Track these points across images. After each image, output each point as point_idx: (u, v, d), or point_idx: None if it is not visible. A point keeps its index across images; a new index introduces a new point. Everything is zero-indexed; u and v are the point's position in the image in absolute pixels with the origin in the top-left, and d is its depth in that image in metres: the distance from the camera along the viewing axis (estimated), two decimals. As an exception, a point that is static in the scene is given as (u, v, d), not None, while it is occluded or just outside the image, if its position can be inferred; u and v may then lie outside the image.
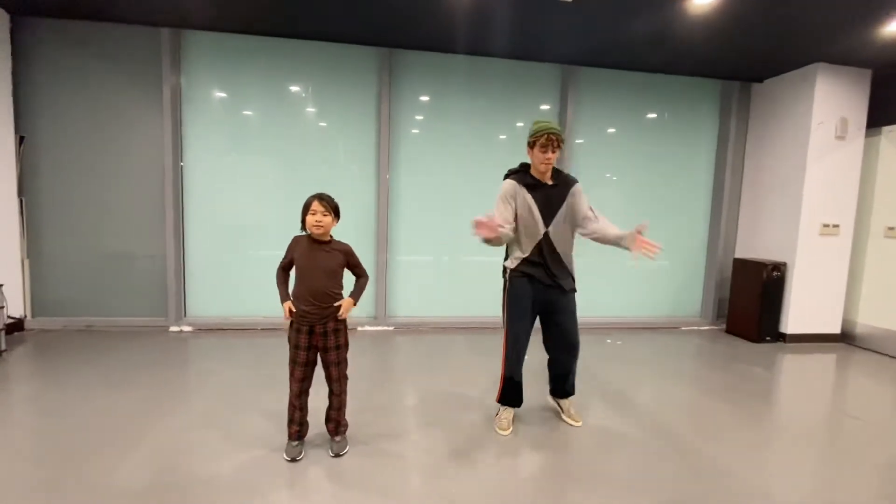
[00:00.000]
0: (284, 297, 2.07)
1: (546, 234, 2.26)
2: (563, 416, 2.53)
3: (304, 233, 2.04)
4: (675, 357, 3.83)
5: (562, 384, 2.51)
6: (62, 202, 3.86)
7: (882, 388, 3.25)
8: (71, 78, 3.78)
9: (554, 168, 2.29)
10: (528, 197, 2.24)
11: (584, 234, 2.34)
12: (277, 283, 2.09)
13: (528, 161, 2.32)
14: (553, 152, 2.18)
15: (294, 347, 2.03)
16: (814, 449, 2.36)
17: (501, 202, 2.26)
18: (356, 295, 2.12)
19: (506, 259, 2.41)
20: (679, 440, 2.37)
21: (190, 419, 2.38)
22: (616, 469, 2.08)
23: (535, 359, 2.68)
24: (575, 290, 2.39)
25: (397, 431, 2.34)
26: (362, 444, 2.20)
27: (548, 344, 2.46)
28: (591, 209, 2.33)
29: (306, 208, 1.99)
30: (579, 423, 2.48)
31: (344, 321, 2.10)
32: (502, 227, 2.07)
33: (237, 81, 4.03)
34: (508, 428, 2.37)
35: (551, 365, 2.51)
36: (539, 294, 2.30)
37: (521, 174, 2.30)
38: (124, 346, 3.52)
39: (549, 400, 2.66)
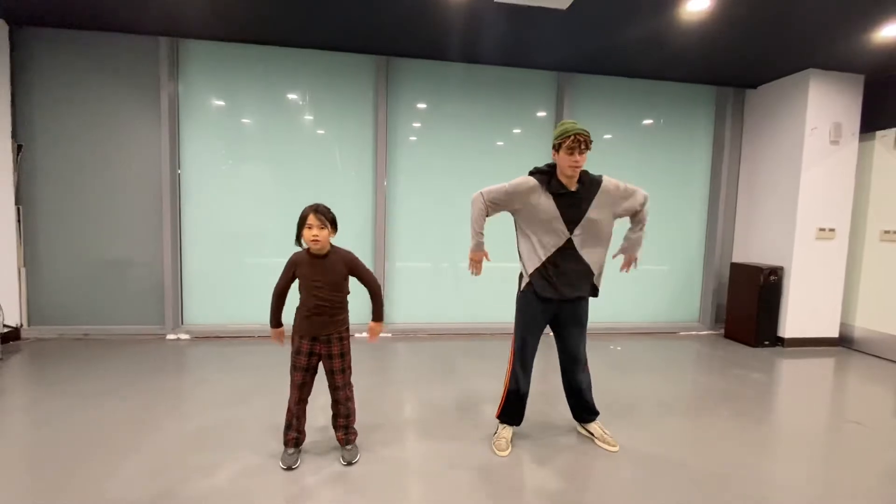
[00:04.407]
0: (276, 322, 2.06)
1: (570, 241, 2.15)
2: (598, 443, 2.33)
3: (299, 248, 2.01)
4: (674, 362, 3.82)
5: (575, 402, 2.37)
6: (59, 210, 3.86)
7: (881, 392, 3.25)
8: (69, 86, 3.80)
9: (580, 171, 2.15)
10: (552, 202, 2.12)
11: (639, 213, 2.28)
12: (272, 307, 2.04)
13: (553, 162, 2.20)
14: (581, 154, 2.04)
15: (295, 353, 2.02)
16: (814, 454, 2.35)
17: (506, 187, 2.16)
18: (378, 314, 2.10)
19: (521, 262, 2.27)
20: (678, 446, 2.36)
21: (186, 428, 2.37)
22: (614, 477, 2.07)
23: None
24: (588, 297, 2.25)
25: (396, 440, 2.33)
26: (365, 451, 2.18)
27: (559, 354, 2.34)
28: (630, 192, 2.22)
29: (302, 222, 1.93)
30: (616, 448, 2.28)
31: (347, 329, 2.08)
32: (481, 245, 2.39)
33: (235, 90, 4.05)
34: (507, 449, 2.23)
35: (563, 380, 2.38)
36: (552, 303, 2.19)
37: (546, 176, 2.15)
38: (121, 354, 3.50)
39: (579, 429, 2.46)
